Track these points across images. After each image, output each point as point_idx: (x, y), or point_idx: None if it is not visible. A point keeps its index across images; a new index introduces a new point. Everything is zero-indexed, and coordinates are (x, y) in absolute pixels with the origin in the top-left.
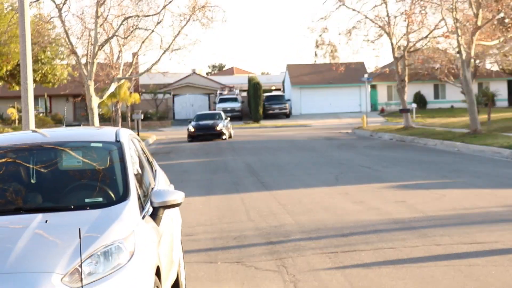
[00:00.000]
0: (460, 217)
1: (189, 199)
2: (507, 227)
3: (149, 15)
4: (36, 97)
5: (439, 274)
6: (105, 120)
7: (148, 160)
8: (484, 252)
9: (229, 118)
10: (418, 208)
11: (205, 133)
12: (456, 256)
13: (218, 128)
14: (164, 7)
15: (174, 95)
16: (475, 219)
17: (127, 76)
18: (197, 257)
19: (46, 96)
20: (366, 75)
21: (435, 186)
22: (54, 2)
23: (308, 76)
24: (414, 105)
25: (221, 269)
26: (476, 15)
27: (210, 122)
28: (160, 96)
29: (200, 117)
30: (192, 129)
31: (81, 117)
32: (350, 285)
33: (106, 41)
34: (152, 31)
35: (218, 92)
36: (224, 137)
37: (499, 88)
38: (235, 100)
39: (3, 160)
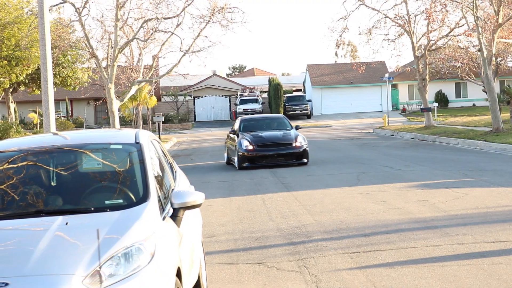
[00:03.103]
0: (483, 216)
1: (210, 201)
2: None
3: (168, 18)
4: (57, 101)
5: (462, 273)
6: (126, 123)
7: (168, 161)
8: (507, 250)
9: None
10: (440, 207)
11: (275, 152)
12: (479, 255)
13: (296, 144)
14: (184, 9)
15: (194, 97)
16: (498, 218)
17: (147, 78)
18: (218, 258)
19: (67, 99)
20: (387, 75)
21: (457, 185)
22: (73, 6)
23: (329, 76)
24: (435, 104)
25: (243, 270)
26: (497, 13)
27: (278, 133)
28: (180, 98)
29: (252, 124)
30: (249, 146)
31: (102, 120)
32: (373, 285)
33: (126, 44)
34: (172, 33)
35: (239, 93)
36: (305, 159)
37: None
38: (255, 101)
39: (24, 163)
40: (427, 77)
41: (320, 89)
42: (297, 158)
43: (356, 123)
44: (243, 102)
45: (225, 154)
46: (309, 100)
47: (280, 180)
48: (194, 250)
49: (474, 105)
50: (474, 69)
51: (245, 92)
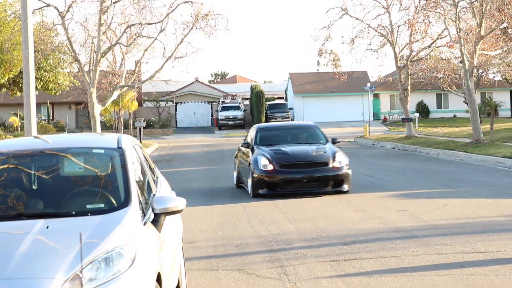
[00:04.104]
0: (462, 227)
1: (191, 207)
2: (508, 236)
3: (152, 23)
4: (38, 105)
5: (441, 283)
6: (107, 127)
7: (150, 167)
8: (486, 261)
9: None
10: (420, 217)
11: (304, 175)
12: (458, 265)
13: (334, 164)
14: (167, 15)
15: (176, 103)
16: (477, 229)
17: (129, 83)
18: (198, 264)
19: (48, 103)
20: (368, 84)
21: (437, 195)
22: (57, 9)
23: (311, 84)
24: (416, 115)
25: (222, 276)
26: (479, 25)
27: (308, 148)
28: (162, 104)
29: (272, 134)
30: (268, 165)
31: (83, 124)
32: None
33: (109, 48)
34: (155, 39)
35: (221, 100)
36: (346, 186)
37: (502, 98)
38: (237, 108)
39: (5, 166)
40: (409, 87)
41: (302, 97)
42: (335, 184)
43: (337, 131)
44: (225, 109)
45: (234, 174)
46: (291, 108)
47: None
48: (174, 256)
49: (455, 116)
50: (456, 81)
51: (227, 99)
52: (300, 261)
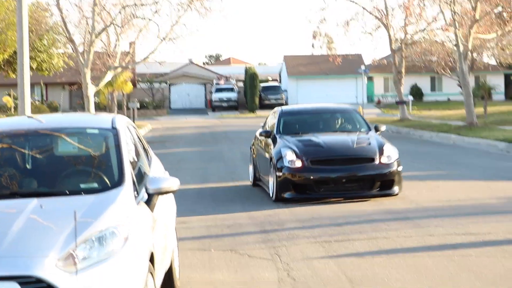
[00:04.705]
0: (454, 209)
1: (184, 187)
2: (500, 218)
3: (147, 4)
4: (32, 85)
5: (432, 264)
6: (101, 108)
7: (144, 147)
8: (478, 243)
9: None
10: (413, 199)
11: (342, 174)
12: (450, 246)
13: (382, 160)
14: None
15: (170, 85)
16: (469, 211)
17: (123, 65)
18: (191, 245)
19: (42, 84)
20: (363, 67)
21: (430, 177)
22: None
23: (305, 67)
24: (410, 97)
25: (215, 256)
26: (474, 8)
27: (347, 139)
28: (156, 85)
29: (299, 120)
30: (296, 161)
31: (77, 105)
32: (343, 274)
33: (103, 29)
34: (150, 20)
35: (215, 82)
36: (396, 188)
37: (496, 82)
38: (231, 90)
39: None
40: (403, 70)
41: (296, 80)
42: (383, 185)
43: None
44: (219, 90)
45: (251, 168)
46: (285, 90)
47: None
48: (167, 236)
49: (449, 99)
50: (450, 64)
51: (221, 81)
52: (292, 242)
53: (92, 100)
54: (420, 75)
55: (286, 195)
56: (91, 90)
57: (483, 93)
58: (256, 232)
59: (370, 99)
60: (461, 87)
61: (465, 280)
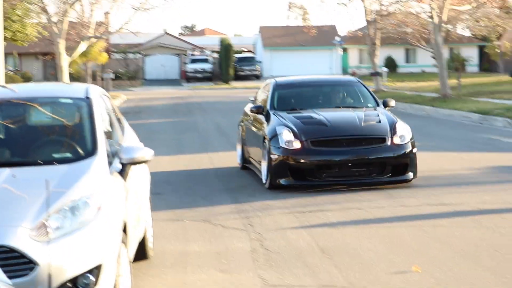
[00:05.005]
0: (427, 179)
1: (158, 158)
2: (473, 189)
3: None
4: (5, 55)
5: (405, 235)
6: (75, 79)
7: (117, 118)
8: (449, 213)
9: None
10: None
11: (348, 157)
12: (422, 217)
13: (394, 140)
14: None
15: (145, 55)
16: (442, 182)
17: (98, 35)
18: (165, 215)
19: (15, 54)
20: (337, 38)
21: None
22: None
23: (281, 38)
24: (385, 69)
25: (188, 227)
26: None
27: (352, 115)
28: (131, 56)
29: (296, 93)
30: (293, 141)
31: (51, 75)
32: (316, 244)
33: None
34: None
35: (189, 53)
36: (411, 174)
37: (470, 54)
38: (206, 61)
39: None
40: (378, 42)
41: (271, 51)
42: (395, 170)
43: None
44: (194, 61)
45: (238, 149)
46: (260, 62)
47: (229, 140)
48: (141, 206)
49: (423, 71)
50: (424, 36)
51: (196, 52)
52: (266, 213)
53: (66, 71)
54: (395, 46)
55: (282, 181)
56: (65, 60)
57: (457, 65)
58: (230, 202)
59: (345, 70)
60: (435, 59)
61: (437, 249)
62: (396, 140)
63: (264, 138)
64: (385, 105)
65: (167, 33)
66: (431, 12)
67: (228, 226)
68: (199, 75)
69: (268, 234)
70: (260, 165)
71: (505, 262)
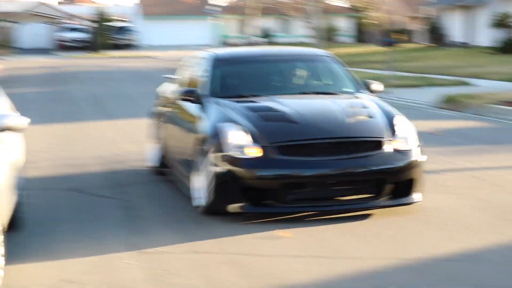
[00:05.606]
0: None
1: (31, 127)
2: None
3: None
4: None
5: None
6: None
7: None
8: None
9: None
10: None
11: (331, 170)
12: None
13: (397, 146)
14: None
15: (18, 24)
16: None
17: None
18: (38, 184)
19: None
20: (213, 8)
21: None
22: None
23: (161, 7)
24: (262, 39)
25: (61, 196)
26: None
27: (330, 106)
28: (3, 24)
29: (244, 71)
30: (248, 146)
31: None
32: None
33: None
34: None
35: (65, 22)
36: (417, 196)
37: (347, 24)
38: (82, 30)
39: None
40: (252, 11)
41: (148, 20)
42: (398, 189)
43: (182, 55)
44: (69, 30)
45: (151, 146)
46: (138, 31)
47: (104, 109)
48: (11, 174)
49: (301, 42)
50: (301, 6)
51: (72, 20)
52: (138, 179)
53: None
54: (271, 17)
55: (231, 208)
56: None
57: (332, 35)
58: (104, 171)
59: (223, 41)
60: (311, 29)
61: None
62: (398, 144)
63: (202, 139)
64: (369, 88)
65: (41, 3)
66: None
67: (99, 194)
68: (75, 44)
69: (139, 200)
70: (192, 179)
71: None
